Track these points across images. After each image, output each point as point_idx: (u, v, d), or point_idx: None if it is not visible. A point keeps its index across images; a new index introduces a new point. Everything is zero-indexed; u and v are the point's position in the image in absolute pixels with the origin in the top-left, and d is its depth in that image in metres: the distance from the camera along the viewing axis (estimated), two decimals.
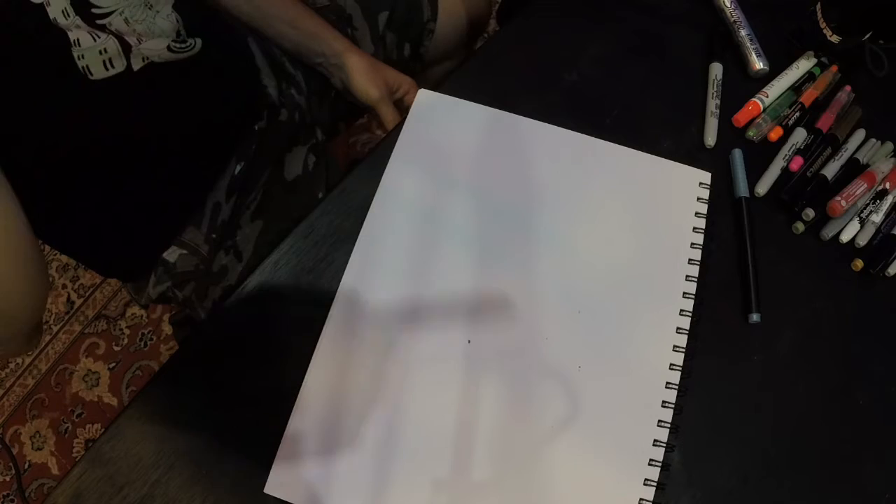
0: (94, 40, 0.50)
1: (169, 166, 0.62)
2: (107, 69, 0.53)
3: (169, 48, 0.57)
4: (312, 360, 0.50)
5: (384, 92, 0.71)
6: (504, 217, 0.54)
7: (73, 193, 0.58)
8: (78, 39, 0.49)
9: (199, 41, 0.60)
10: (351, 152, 1.33)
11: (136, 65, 0.54)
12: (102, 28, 0.51)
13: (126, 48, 0.53)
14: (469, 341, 0.50)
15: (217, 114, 0.65)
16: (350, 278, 0.52)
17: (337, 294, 0.52)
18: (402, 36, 0.79)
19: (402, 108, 0.73)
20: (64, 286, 1.37)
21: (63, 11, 0.48)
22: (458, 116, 0.58)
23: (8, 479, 1.23)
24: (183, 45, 0.58)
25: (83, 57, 0.50)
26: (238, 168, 0.67)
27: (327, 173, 0.74)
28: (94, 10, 0.50)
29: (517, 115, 0.58)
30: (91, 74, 0.51)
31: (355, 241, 0.53)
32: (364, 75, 0.70)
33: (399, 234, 0.54)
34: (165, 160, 0.62)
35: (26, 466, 1.23)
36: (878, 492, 0.47)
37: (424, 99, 0.59)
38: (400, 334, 0.50)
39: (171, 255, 0.66)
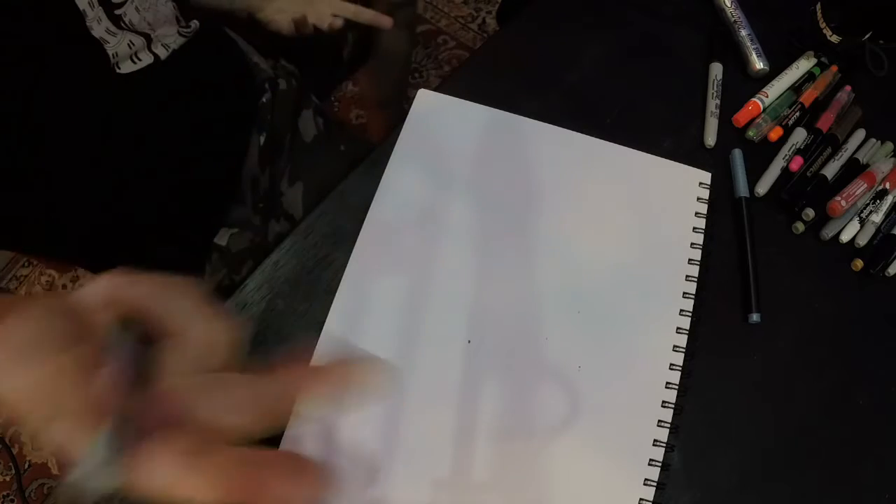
0: (114, 36, 0.52)
1: (199, 150, 0.63)
2: (134, 62, 0.54)
3: (178, 33, 0.59)
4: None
5: None
6: (504, 217, 0.54)
7: (118, 202, 0.58)
8: (103, 38, 0.51)
9: (196, 21, 0.62)
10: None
11: (163, 55, 0.56)
12: (119, 24, 0.52)
13: (148, 40, 0.54)
14: (469, 341, 0.50)
15: (228, 88, 0.67)
16: (350, 278, 0.52)
17: (336, 294, 0.52)
18: None
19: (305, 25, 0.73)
20: (64, 286, 1.37)
21: (90, 3, 0.49)
22: (458, 116, 0.58)
23: (8, 479, 1.23)
24: (188, 29, 0.61)
25: (116, 55, 0.52)
26: (262, 139, 0.68)
27: (339, 132, 0.78)
28: (113, 1, 0.51)
29: (517, 115, 0.58)
30: (119, 68, 0.53)
31: (355, 241, 0.53)
32: None
33: (399, 234, 0.54)
34: (195, 145, 0.63)
35: (26, 466, 1.23)
36: (879, 492, 0.47)
37: (424, 99, 0.59)
38: (400, 334, 0.50)
39: (222, 238, 0.65)
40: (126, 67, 0.54)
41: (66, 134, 0.52)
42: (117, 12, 0.53)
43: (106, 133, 0.55)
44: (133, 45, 0.54)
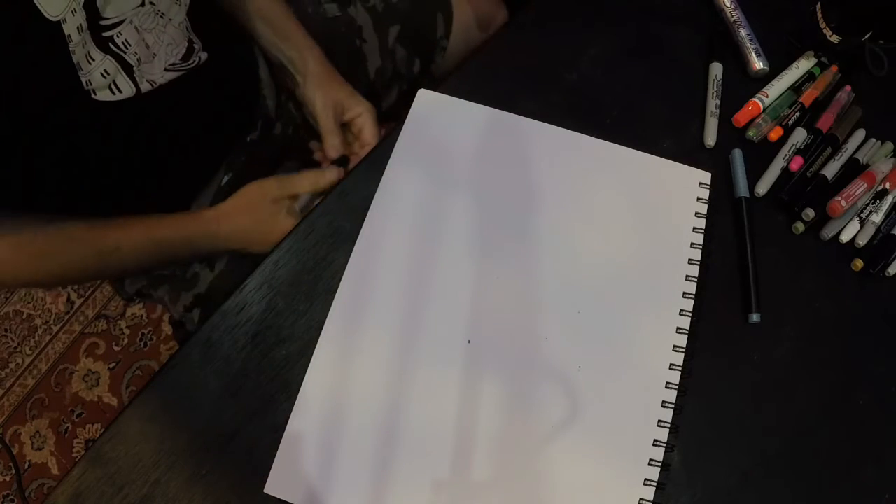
0: (89, 63, 0.50)
1: (159, 174, 0.62)
2: (113, 93, 0.52)
3: (166, 69, 0.56)
4: (312, 360, 0.50)
5: (333, 113, 0.66)
6: (504, 217, 0.54)
7: (63, 198, 0.58)
8: (79, 63, 0.49)
9: (203, 55, 0.59)
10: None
11: (145, 88, 0.54)
12: (105, 48, 0.51)
13: (127, 69, 0.53)
14: (469, 341, 0.50)
15: (213, 124, 0.64)
16: (350, 278, 0.52)
17: (337, 294, 0.52)
18: (413, 51, 0.77)
19: (352, 135, 0.68)
20: (64, 286, 1.37)
21: (78, 28, 0.48)
22: (458, 116, 0.58)
23: (8, 479, 1.23)
24: (186, 64, 0.58)
25: (90, 83, 0.50)
26: (225, 179, 0.66)
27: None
28: (101, 23, 0.50)
29: (517, 115, 0.58)
30: (95, 94, 0.51)
31: (355, 241, 0.53)
32: (318, 86, 0.66)
33: (399, 234, 0.54)
34: (157, 169, 0.62)
35: (26, 466, 1.23)
36: (879, 492, 0.47)
37: (424, 99, 0.59)
38: (400, 334, 0.50)
39: None
40: (103, 96, 0.52)
41: (36, 153, 0.51)
42: (107, 34, 0.50)
43: (71, 154, 0.54)
44: (107, 74, 0.51)
